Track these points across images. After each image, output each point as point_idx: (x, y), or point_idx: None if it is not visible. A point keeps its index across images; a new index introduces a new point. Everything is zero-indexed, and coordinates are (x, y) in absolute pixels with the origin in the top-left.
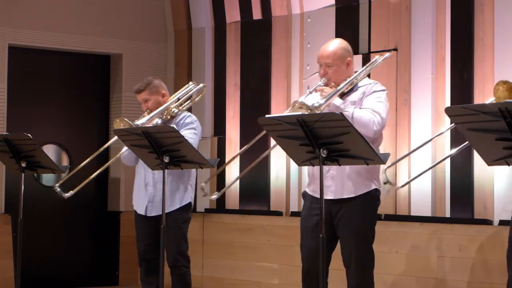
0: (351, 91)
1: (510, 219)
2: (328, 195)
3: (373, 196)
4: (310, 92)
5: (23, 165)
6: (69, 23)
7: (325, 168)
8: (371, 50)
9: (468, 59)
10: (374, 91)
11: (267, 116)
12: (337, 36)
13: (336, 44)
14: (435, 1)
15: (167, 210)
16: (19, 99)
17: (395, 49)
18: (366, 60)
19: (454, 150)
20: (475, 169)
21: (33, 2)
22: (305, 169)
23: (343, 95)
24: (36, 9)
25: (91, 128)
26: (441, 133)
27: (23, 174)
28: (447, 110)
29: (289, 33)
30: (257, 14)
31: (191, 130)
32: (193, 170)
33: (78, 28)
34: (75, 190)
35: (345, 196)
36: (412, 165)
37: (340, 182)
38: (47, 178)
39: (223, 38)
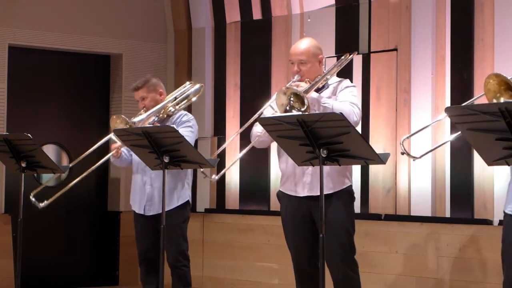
0: (322, 88)
1: None
2: (307, 192)
3: (349, 192)
4: (286, 88)
5: (23, 165)
6: (69, 23)
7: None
8: (371, 50)
9: (468, 59)
10: (347, 87)
11: (267, 116)
12: (337, 36)
13: (308, 42)
14: (435, 1)
15: (165, 209)
16: (19, 99)
17: (395, 49)
18: (366, 60)
19: (453, 135)
20: (475, 169)
21: (33, 2)
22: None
23: (316, 91)
24: (36, 9)
25: (91, 128)
26: (440, 120)
27: (23, 174)
28: (447, 110)
29: (289, 33)
30: (257, 14)
31: (188, 128)
32: (189, 169)
33: (78, 28)
34: (50, 200)
35: (325, 193)
36: (412, 164)
37: (318, 179)
38: (47, 178)
39: (223, 38)
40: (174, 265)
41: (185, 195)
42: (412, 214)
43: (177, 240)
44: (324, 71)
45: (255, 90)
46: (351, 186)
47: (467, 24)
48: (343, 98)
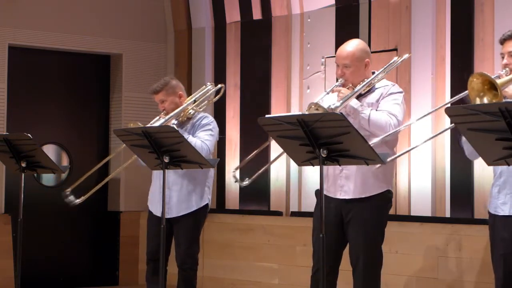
0: (368, 92)
1: None
2: (341, 195)
3: (385, 198)
4: (327, 93)
5: (23, 165)
6: (69, 23)
7: (339, 167)
8: (371, 50)
9: (468, 59)
10: (392, 93)
11: (267, 116)
12: (337, 36)
13: (355, 45)
14: (435, 1)
15: (183, 212)
16: (19, 99)
17: (395, 49)
18: None
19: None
20: (475, 169)
21: (33, 2)
22: (305, 168)
23: (360, 96)
24: (36, 9)
25: (91, 128)
26: (440, 107)
27: (23, 174)
28: (447, 110)
29: (289, 33)
30: (257, 14)
31: (208, 132)
32: (211, 172)
33: (78, 28)
34: (87, 195)
35: (358, 197)
36: (412, 164)
37: (353, 182)
38: (47, 178)
39: (223, 38)
40: (181, 266)
41: (204, 199)
42: (412, 214)
43: (189, 242)
44: (374, 72)
45: (255, 90)
46: (388, 191)
47: (467, 24)
48: (383, 107)
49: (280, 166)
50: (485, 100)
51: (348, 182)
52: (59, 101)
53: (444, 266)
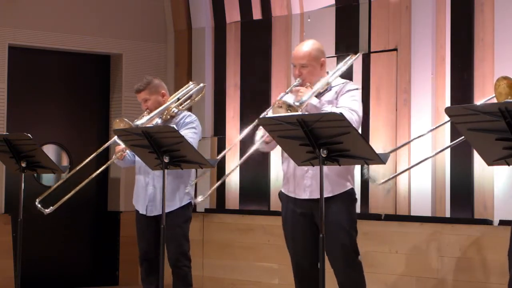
0: (325, 91)
1: (511, 219)
2: (307, 195)
3: (350, 195)
4: (286, 93)
5: (23, 165)
6: (69, 23)
7: (305, 167)
8: (371, 50)
9: (468, 59)
10: (349, 90)
11: (267, 116)
12: (337, 36)
13: (310, 45)
14: (435, 1)
15: (167, 210)
16: (19, 99)
17: (395, 49)
18: (366, 60)
19: (453, 142)
20: (475, 169)
21: (33, 2)
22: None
23: (318, 95)
24: (36, 9)
25: (91, 128)
26: (441, 125)
27: (23, 174)
28: (447, 110)
29: (289, 33)
30: (257, 14)
31: (191, 130)
32: (193, 170)
33: (78, 28)
34: (56, 205)
35: (324, 196)
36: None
37: (318, 181)
38: (47, 178)
39: (223, 38)
40: (175, 265)
41: (188, 196)
42: (412, 214)
43: (179, 240)
44: (328, 72)
45: (255, 90)
46: (352, 189)
47: (467, 24)
48: (342, 104)
49: (280, 166)
50: None
51: (313, 182)
52: (59, 101)
53: (444, 266)
